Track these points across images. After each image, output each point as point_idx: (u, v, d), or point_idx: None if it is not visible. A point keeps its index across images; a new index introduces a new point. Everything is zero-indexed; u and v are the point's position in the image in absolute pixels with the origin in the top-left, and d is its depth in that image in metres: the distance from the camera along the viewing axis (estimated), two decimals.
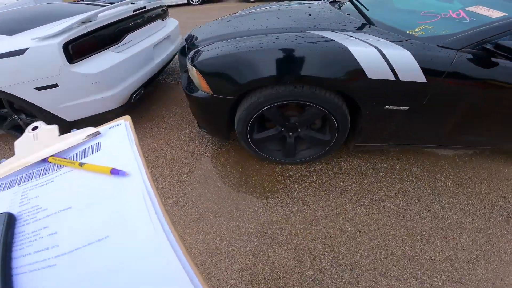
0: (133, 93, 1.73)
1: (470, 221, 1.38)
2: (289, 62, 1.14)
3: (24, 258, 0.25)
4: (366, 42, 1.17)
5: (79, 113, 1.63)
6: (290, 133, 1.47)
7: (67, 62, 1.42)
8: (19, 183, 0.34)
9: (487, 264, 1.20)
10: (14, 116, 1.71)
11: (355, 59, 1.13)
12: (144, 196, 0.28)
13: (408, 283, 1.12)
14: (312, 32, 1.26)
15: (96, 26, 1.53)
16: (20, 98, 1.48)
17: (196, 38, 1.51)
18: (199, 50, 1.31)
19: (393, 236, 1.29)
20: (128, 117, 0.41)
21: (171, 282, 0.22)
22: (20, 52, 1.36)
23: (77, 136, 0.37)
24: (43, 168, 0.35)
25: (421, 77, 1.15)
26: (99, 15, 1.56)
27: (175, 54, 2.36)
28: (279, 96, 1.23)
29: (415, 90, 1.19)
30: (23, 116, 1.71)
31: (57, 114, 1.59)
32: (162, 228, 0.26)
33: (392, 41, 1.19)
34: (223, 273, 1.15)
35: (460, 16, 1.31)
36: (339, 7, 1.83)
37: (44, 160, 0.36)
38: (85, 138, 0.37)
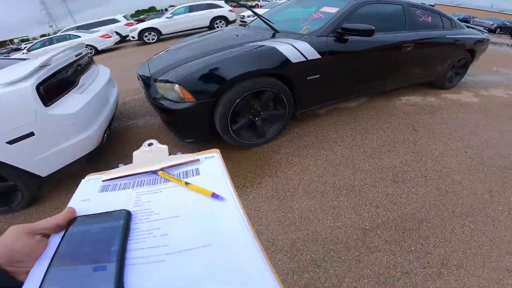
0: (104, 132, 1.76)
1: (394, 136, 2.18)
2: (246, 63, 1.64)
3: (138, 252, 0.29)
4: (283, 42, 1.81)
5: (55, 163, 1.51)
6: (257, 118, 1.93)
7: (42, 105, 1.35)
8: (132, 187, 0.40)
9: (430, 160, 1.86)
10: None
11: (282, 53, 1.74)
12: (239, 219, 0.33)
13: (396, 185, 1.63)
14: (249, 44, 1.81)
15: (55, 70, 1.52)
16: None
17: (157, 68, 1.79)
18: (171, 73, 1.62)
19: (358, 160, 1.90)
20: (217, 150, 0.47)
21: None
22: None
23: (183, 159, 0.44)
24: (152, 179, 0.41)
25: (317, 55, 1.88)
26: (53, 59, 1.56)
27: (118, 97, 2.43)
28: (245, 89, 1.69)
29: (317, 64, 1.91)
30: None
31: (30, 170, 1.42)
32: (256, 247, 0.29)
33: (295, 39, 1.88)
34: (268, 235, 1.35)
35: (319, 16, 2.17)
36: (248, 26, 2.52)
37: (154, 172, 0.42)
38: (188, 161, 0.44)
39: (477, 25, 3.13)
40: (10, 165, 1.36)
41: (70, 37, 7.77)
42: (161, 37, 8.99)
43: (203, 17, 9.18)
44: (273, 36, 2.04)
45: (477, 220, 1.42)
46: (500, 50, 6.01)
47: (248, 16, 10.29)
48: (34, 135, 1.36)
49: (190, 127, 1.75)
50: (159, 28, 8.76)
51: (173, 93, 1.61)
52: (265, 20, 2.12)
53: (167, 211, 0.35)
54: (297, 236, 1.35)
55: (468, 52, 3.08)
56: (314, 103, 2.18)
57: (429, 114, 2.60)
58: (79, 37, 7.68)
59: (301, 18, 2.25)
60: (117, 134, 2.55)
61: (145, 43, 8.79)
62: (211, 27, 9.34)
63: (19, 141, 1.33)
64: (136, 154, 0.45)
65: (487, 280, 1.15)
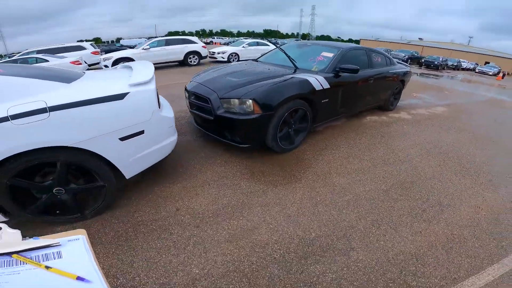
0: None
1: (372, 140, 3.17)
2: (293, 88, 2.41)
3: None
4: (308, 76, 2.67)
5: (141, 165, 1.58)
6: (290, 129, 2.64)
7: (158, 107, 1.48)
8: None
9: (398, 151, 2.90)
10: (57, 188, 1.35)
11: (311, 83, 2.58)
12: None
13: (387, 166, 2.54)
14: (285, 76, 2.60)
15: None
16: (92, 156, 1.28)
17: (219, 88, 2.38)
18: (239, 92, 2.25)
19: (358, 153, 2.78)
20: (84, 231, 0.45)
21: None
22: (120, 96, 1.32)
23: (40, 243, 0.40)
24: (6, 261, 0.38)
25: (328, 85, 2.78)
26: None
27: None
28: (289, 107, 2.41)
29: (327, 91, 2.81)
30: (73, 185, 1.40)
31: (122, 170, 1.46)
32: None
33: (314, 74, 2.77)
34: (330, 199, 1.98)
35: (322, 59, 3.16)
36: (260, 62, 3.38)
37: (8, 255, 0.38)
38: (46, 246, 0.40)
39: (394, 58, 4.76)
40: (111, 163, 1.36)
41: (37, 60, 7.23)
42: None
43: (178, 51, 9.76)
44: (295, 71, 2.89)
45: (441, 180, 2.40)
46: (413, 79, 8.47)
47: (218, 53, 11.43)
48: (143, 133, 1.46)
49: (251, 134, 2.32)
50: (135, 59, 8.95)
51: (243, 106, 2.20)
52: (292, 60, 2.99)
53: None
54: (348, 198, 2.03)
55: (400, 82, 4.54)
56: (323, 119, 3.04)
57: (386, 126, 3.79)
58: (47, 61, 7.23)
59: (310, 59, 3.21)
60: None
61: None
62: (184, 61, 9.91)
63: (130, 138, 1.39)
64: None
65: (468, 213, 1.93)
